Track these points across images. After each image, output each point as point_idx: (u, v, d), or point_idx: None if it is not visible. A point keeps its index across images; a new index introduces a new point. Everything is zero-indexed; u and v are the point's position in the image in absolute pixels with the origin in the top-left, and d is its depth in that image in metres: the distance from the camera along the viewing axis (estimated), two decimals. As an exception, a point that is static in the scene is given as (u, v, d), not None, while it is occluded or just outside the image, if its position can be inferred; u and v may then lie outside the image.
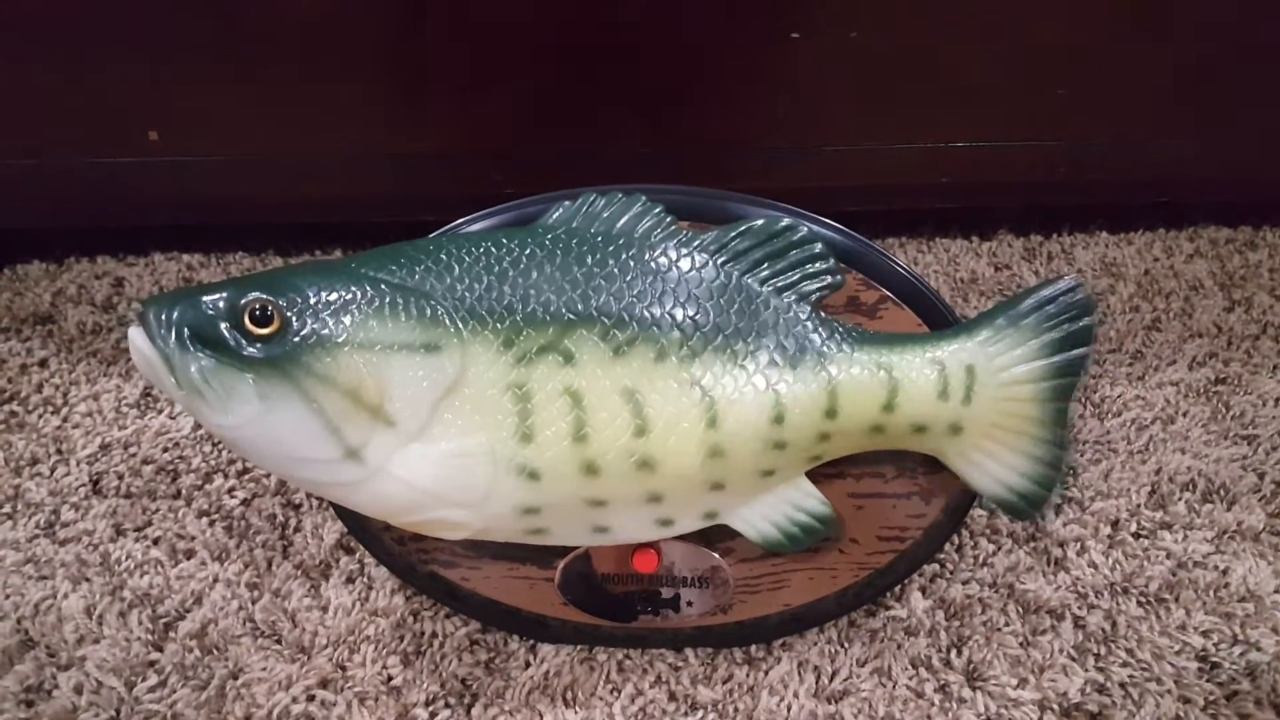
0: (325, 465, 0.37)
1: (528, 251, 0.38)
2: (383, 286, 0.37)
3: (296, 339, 0.36)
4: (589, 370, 0.37)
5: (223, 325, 0.35)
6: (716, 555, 0.45)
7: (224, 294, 0.36)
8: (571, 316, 0.38)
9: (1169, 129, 0.73)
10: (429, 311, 0.37)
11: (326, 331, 0.36)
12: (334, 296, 0.36)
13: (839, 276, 0.40)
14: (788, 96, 0.68)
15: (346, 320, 0.36)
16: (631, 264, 0.39)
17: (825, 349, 0.39)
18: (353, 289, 0.37)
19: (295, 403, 0.36)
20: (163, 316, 0.35)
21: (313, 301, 0.36)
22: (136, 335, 0.35)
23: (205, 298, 0.36)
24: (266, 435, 0.36)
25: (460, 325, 0.37)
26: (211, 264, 0.76)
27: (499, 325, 0.37)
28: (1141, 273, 0.74)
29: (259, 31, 0.65)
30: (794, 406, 0.39)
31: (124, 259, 0.76)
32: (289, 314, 0.36)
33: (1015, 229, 0.79)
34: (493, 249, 0.38)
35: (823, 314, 0.40)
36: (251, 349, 0.35)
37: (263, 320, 0.36)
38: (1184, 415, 0.61)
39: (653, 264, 0.39)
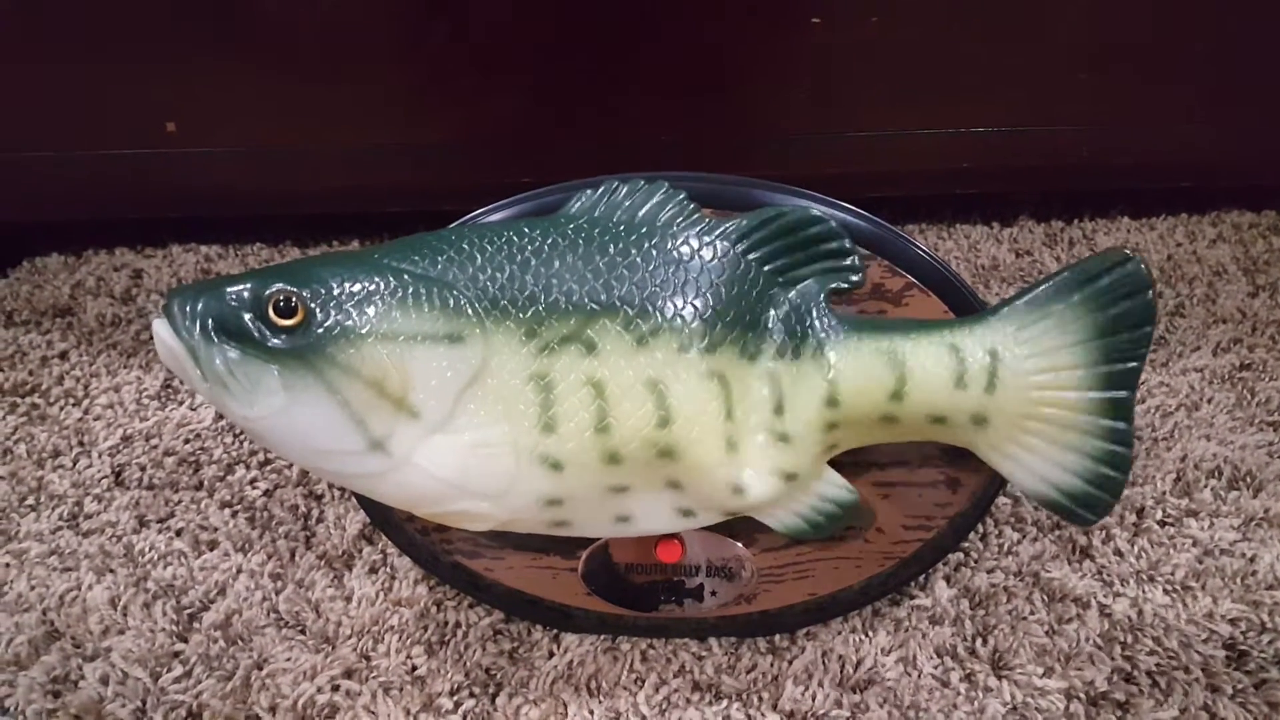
0: (350, 457, 0.36)
1: (550, 241, 0.38)
2: (405, 277, 0.37)
3: (320, 330, 0.36)
4: (611, 360, 0.37)
5: (247, 317, 0.35)
6: (740, 545, 0.45)
7: (248, 285, 0.36)
8: (594, 306, 0.37)
9: (1191, 113, 0.72)
10: (452, 302, 0.37)
11: (350, 322, 0.36)
12: (357, 287, 0.36)
13: (860, 274, 0.39)
14: (808, 83, 0.68)
15: (370, 311, 0.36)
16: (654, 253, 0.38)
17: (827, 337, 0.39)
18: (376, 280, 0.36)
19: (320, 394, 0.35)
20: (187, 308, 0.35)
21: (336, 292, 0.36)
22: (161, 327, 0.35)
23: (229, 289, 0.36)
24: (291, 427, 0.36)
25: (483, 315, 0.37)
26: (229, 255, 0.76)
27: (521, 315, 0.37)
28: (1164, 258, 0.73)
29: (275, 23, 0.65)
30: (794, 396, 0.38)
31: (142, 251, 0.77)
32: (312, 305, 0.36)
33: (1036, 215, 0.79)
34: (515, 238, 0.38)
35: (832, 304, 0.39)
36: (276, 340, 0.35)
37: (287, 311, 0.35)
38: (1209, 402, 0.60)
39: (675, 253, 0.38)
